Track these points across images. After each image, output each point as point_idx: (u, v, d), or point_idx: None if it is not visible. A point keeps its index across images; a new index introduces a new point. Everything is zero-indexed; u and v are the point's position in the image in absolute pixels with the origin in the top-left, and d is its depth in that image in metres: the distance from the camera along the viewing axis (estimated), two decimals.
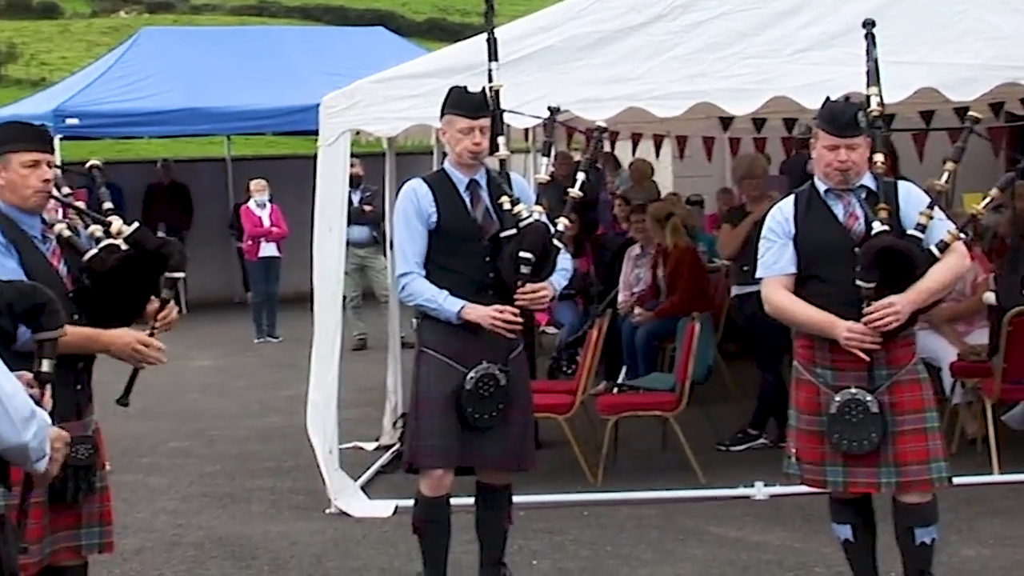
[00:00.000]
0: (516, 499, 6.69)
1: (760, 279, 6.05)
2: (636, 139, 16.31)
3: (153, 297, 5.25)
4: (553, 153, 7.12)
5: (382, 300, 14.51)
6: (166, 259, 5.16)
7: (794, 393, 5.97)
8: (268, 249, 17.03)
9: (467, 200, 6.35)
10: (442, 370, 6.32)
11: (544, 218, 6.32)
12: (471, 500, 6.63)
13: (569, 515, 8.25)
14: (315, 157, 9.11)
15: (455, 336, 6.30)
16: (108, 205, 5.32)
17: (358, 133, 9.28)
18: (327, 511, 8.53)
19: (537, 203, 6.42)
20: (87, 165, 5.60)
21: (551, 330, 13.28)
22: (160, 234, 5.27)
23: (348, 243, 9.70)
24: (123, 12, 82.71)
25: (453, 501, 6.46)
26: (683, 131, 15.12)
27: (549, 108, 6.90)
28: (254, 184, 17.11)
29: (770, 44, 8.51)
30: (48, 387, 3.65)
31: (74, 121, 17.69)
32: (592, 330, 9.87)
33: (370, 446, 10.23)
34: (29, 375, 3.48)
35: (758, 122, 13.24)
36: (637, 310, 11.39)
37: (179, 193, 20.64)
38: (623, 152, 17.52)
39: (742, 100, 8.55)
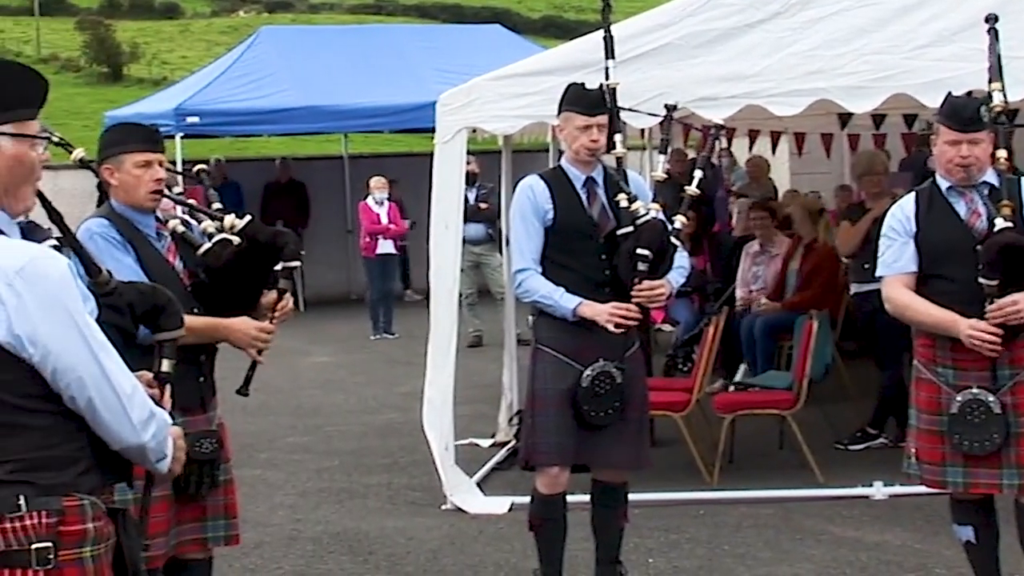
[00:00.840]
0: (632, 497, 6.67)
1: (880, 277, 5.98)
2: (753, 136, 16.18)
3: (269, 289, 5.31)
4: (670, 150, 7.09)
5: (498, 297, 14.54)
6: (280, 250, 5.20)
7: (914, 392, 5.90)
8: (385, 246, 17.14)
9: (584, 197, 6.34)
10: (558, 367, 6.31)
11: (661, 215, 6.29)
12: (587, 497, 6.62)
13: (685, 513, 8.22)
14: (431, 155, 9.15)
15: (571, 333, 6.29)
16: (217, 206, 5.38)
17: (475, 131, 9.31)
18: (443, 507, 8.56)
19: (654, 200, 6.39)
20: (195, 169, 5.67)
21: (667, 328, 13.23)
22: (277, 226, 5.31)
23: (464, 240, 9.73)
24: (242, 12, 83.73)
25: (569, 498, 6.46)
26: (801, 128, 14.98)
27: (666, 106, 6.86)
28: (374, 181, 17.21)
29: (890, 40, 8.40)
30: (167, 387, 3.69)
31: (194, 119, 17.91)
32: (709, 328, 9.81)
33: (485, 443, 10.26)
34: (149, 375, 3.52)
35: (877, 118, 13.08)
36: (763, 299, 11.34)
37: (297, 191, 20.83)
38: (740, 149, 17.41)
39: (862, 97, 8.45)
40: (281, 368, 13.41)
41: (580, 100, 6.29)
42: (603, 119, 6.28)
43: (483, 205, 15.38)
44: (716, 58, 8.53)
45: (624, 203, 6.23)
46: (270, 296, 5.29)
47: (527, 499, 6.63)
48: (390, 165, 19.83)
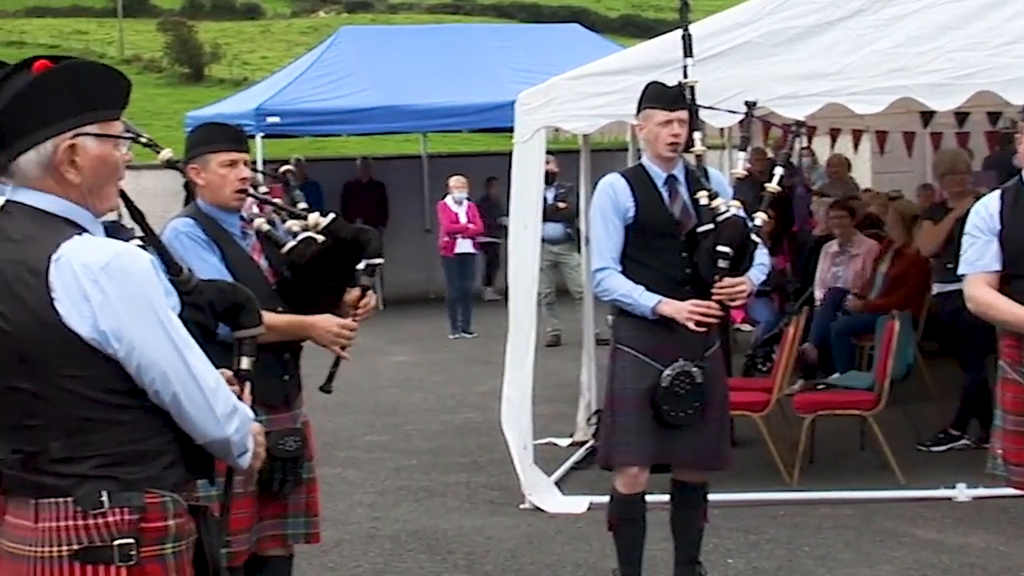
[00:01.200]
0: (711, 497, 6.64)
1: (962, 276, 5.91)
2: (834, 134, 16.09)
3: (352, 286, 5.33)
4: (750, 148, 7.05)
5: (576, 296, 14.53)
6: (363, 247, 5.22)
7: (1000, 393, 5.81)
8: (464, 245, 17.17)
9: (665, 195, 6.32)
10: (638, 367, 6.30)
11: (742, 213, 6.25)
12: (666, 497, 6.60)
13: (764, 514, 8.17)
14: (510, 154, 9.15)
15: (651, 332, 6.27)
16: (303, 206, 5.41)
17: (557, 130, 9.29)
18: (521, 506, 8.56)
19: (734, 198, 6.35)
20: (281, 170, 5.68)
21: (746, 327, 13.16)
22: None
23: (542, 240, 9.73)
24: (322, 12, 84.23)
25: (648, 498, 6.44)
26: (883, 126, 14.87)
27: (746, 103, 6.82)
28: (453, 181, 17.25)
29: (974, 37, 8.30)
30: (247, 384, 3.71)
31: (275, 119, 18.02)
32: (789, 327, 9.75)
33: (564, 442, 10.25)
34: (229, 372, 3.55)
35: (960, 116, 12.96)
36: (850, 298, 11.28)
37: (377, 190, 20.90)
38: (821, 147, 17.30)
39: (945, 95, 8.35)
40: (360, 367, 13.45)
41: (660, 96, 6.27)
42: (683, 114, 6.25)
43: (561, 204, 15.37)
44: (796, 56, 8.47)
45: (705, 200, 6.19)
46: (353, 293, 5.30)
47: (606, 499, 6.62)
48: (468, 164, 19.84)
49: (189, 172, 5.22)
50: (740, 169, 6.61)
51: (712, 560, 7.04)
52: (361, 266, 5.25)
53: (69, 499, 3.14)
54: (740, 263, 6.20)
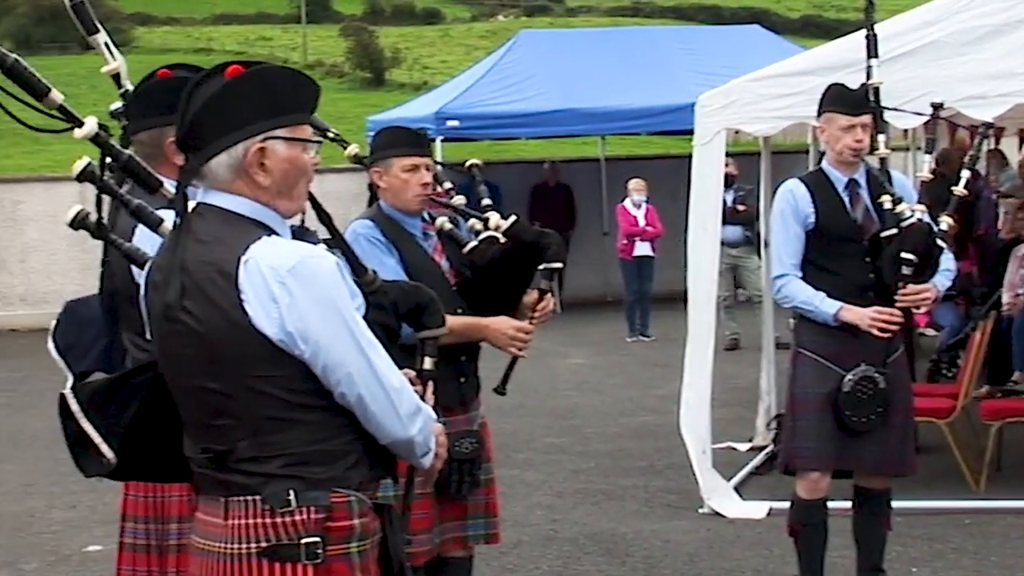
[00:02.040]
0: (895, 504, 6.54)
1: None
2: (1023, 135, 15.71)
3: (531, 288, 5.35)
4: (936, 151, 6.93)
5: (754, 300, 14.41)
6: (543, 250, 5.23)
7: None
8: (642, 248, 17.13)
9: (846, 200, 6.24)
10: (819, 371, 6.23)
11: (927, 217, 6.15)
12: (848, 504, 6.51)
13: (950, 522, 8.02)
14: (689, 157, 9.11)
15: (833, 337, 6.20)
16: (487, 202, 5.44)
17: (737, 132, 9.23)
18: (700, 511, 8.52)
19: (919, 202, 6.24)
20: (467, 164, 5.72)
21: (930, 332, 12.93)
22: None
23: (721, 243, 9.66)
24: (501, 16, 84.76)
25: (830, 504, 6.37)
26: None
27: (932, 105, 6.71)
28: (632, 183, 17.22)
29: None
30: (430, 384, 3.74)
31: (454, 123, 18.17)
32: (975, 332, 9.56)
33: (743, 447, 10.17)
34: (412, 372, 3.58)
35: None
36: None
37: (563, 194, 20.94)
38: (1009, 149, 16.90)
39: None
40: (538, 370, 13.50)
41: (843, 100, 6.18)
42: (866, 119, 6.16)
43: (741, 207, 15.25)
44: (985, 55, 8.28)
45: (888, 205, 6.11)
46: (531, 296, 5.32)
47: (786, 504, 6.56)
48: (646, 167, 19.79)
49: (372, 175, 5.29)
50: (925, 172, 6.50)
51: (896, 569, 6.93)
52: (541, 269, 5.27)
53: (257, 497, 3.19)
54: (924, 269, 6.10)
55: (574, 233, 20.27)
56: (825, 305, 6.16)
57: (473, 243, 5.25)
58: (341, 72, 63.23)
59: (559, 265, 5.23)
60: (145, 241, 3.91)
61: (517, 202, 19.52)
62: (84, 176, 3.58)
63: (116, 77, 4.45)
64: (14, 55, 3.41)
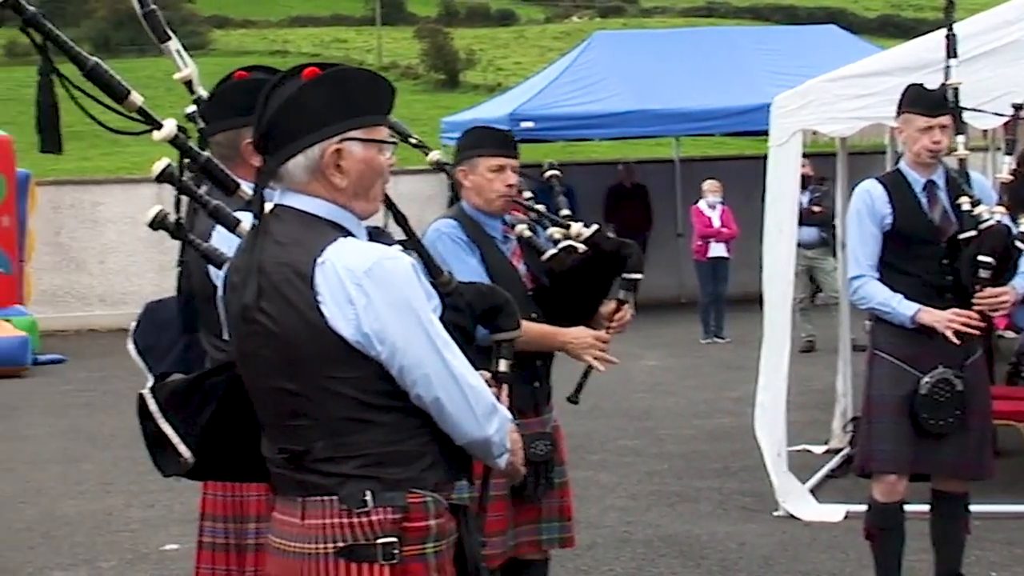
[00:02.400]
0: (973, 508, 6.47)
1: None
2: None
3: (609, 298, 5.33)
4: (1016, 152, 6.85)
5: (831, 302, 14.31)
6: (623, 260, 5.21)
7: None
8: (717, 250, 17.07)
9: (924, 201, 6.18)
10: (896, 374, 6.18)
11: (1006, 219, 6.08)
12: (925, 507, 6.46)
13: None
14: (764, 158, 9.07)
15: (910, 339, 6.15)
16: (565, 212, 5.42)
17: (814, 133, 9.17)
18: (775, 513, 8.48)
19: (999, 203, 6.18)
20: (546, 175, 5.67)
21: (1009, 334, 12.78)
22: (610, 235, 5.33)
23: (797, 244, 9.61)
24: (575, 17, 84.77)
25: (907, 508, 6.32)
26: None
27: (1014, 105, 6.64)
28: (707, 184, 17.17)
29: None
30: (505, 386, 3.74)
31: (528, 124, 18.17)
32: None
33: (819, 449, 10.11)
34: (488, 374, 3.58)
35: None
36: None
37: (640, 195, 20.92)
38: None
39: None
40: (612, 371, 13.32)
41: (921, 100, 6.13)
42: (945, 120, 6.11)
43: (816, 208, 15.16)
44: None
45: (967, 206, 6.05)
46: (609, 306, 5.30)
47: (862, 507, 6.53)
48: (721, 168, 19.71)
49: (457, 174, 5.30)
50: (1005, 173, 6.43)
51: (974, 573, 6.87)
52: (619, 278, 5.24)
53: (334, 497, 3.20)
54: (1003, 272, 6.04)
55: (650, 235, 20.23)
56: (903, 307, 6.12)
57: (552, 251, 5.24)
58: (415, 74, 63.40)
59: (639, 276, 5.21)
60: (222, 242, 3.94)
61: (592, 204, 19.54)
62: (163, 177, 3.61)
63: (188, 83, 4.48)
64: (95, 58, 3.44)
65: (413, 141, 4.76)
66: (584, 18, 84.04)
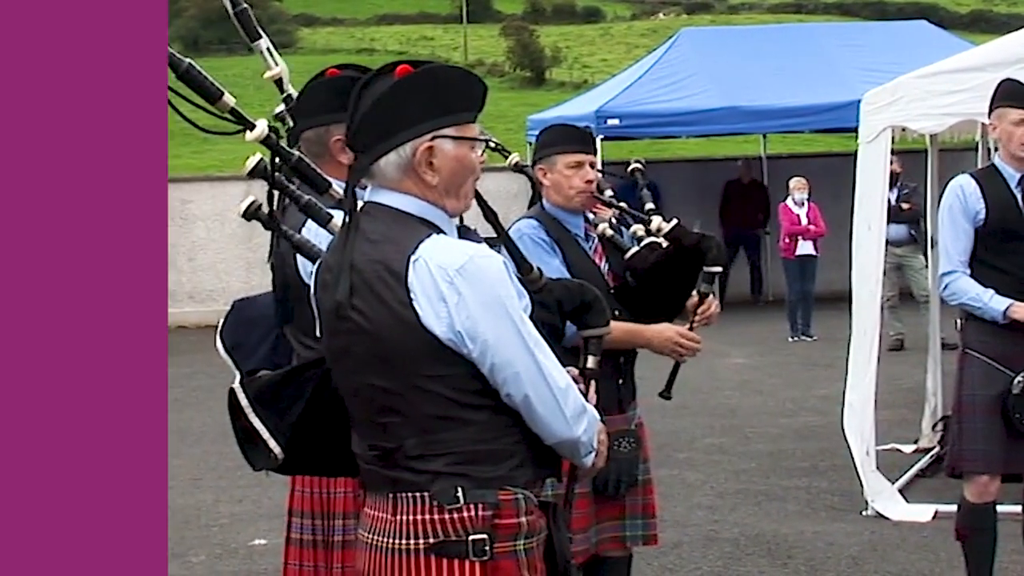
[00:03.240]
0: None
1: None
2: None
3: (693, 292, 5.32)
4: None
5: (921, 300, 14.18)
6: (704, 254, 5.20)
7: None
8: (804, 247, 16.96)
9: (1018, 196, 6.12)
10: (987, 373, 6.12)
11: None
12: (1018, 508, 6.39)
13: None
14: (852, 154, 8.99)
15: (1001, 338, 6.09)
16: (650, 206, 5.42)
17: (904, 130, 9.09)
18: (863, 513, 8.41)
19: None
20: (629, 168, 5.69)
21: None
22: (696, 230, 5.31)
23: (886, 242, 9.53)
24: (662, 14, 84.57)
25: (999, 508, 6.25)
26: None
27: None
28: (794, 182, 17.06)
29: None
30: (593, 383, 3.74)
31: (615, 122, 18.14)
32: None
33: (908, 448, 10.03)
34: (575, 371, 3.58)
35: None
36: None
37: (757, 191, 20.86)
38: None
39: None
40: (699, 369, 13.40)
41: (1015, 95, 6.07)
42: None
43: (905, 205, 15.02)
44: None
45: None
46: (692, 300, 5.29)
47: (953, 507, 6.47)
48: (808, 165, 19.58)
49: (536, 173, 5.31)
50: None
51: None
52: (703, 272, 5.22)
53: (426, 494, 3.21)
54: None
55: (764, 232, 20.21)
56: (994, 303, 6.06)
57: (635, 249, 5.24)
58: (501, 71, 63.57)
59: (718, 269, 5.20)
60: (313, 239, 3.97)
61: (679, 201, 19.44)
62: (255, 173, 3.64)
63: (279, 82, 4.51)
64: (188, 60, 3.47)
65: (492, 144, 4.77)
66: (670, 15, 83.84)
